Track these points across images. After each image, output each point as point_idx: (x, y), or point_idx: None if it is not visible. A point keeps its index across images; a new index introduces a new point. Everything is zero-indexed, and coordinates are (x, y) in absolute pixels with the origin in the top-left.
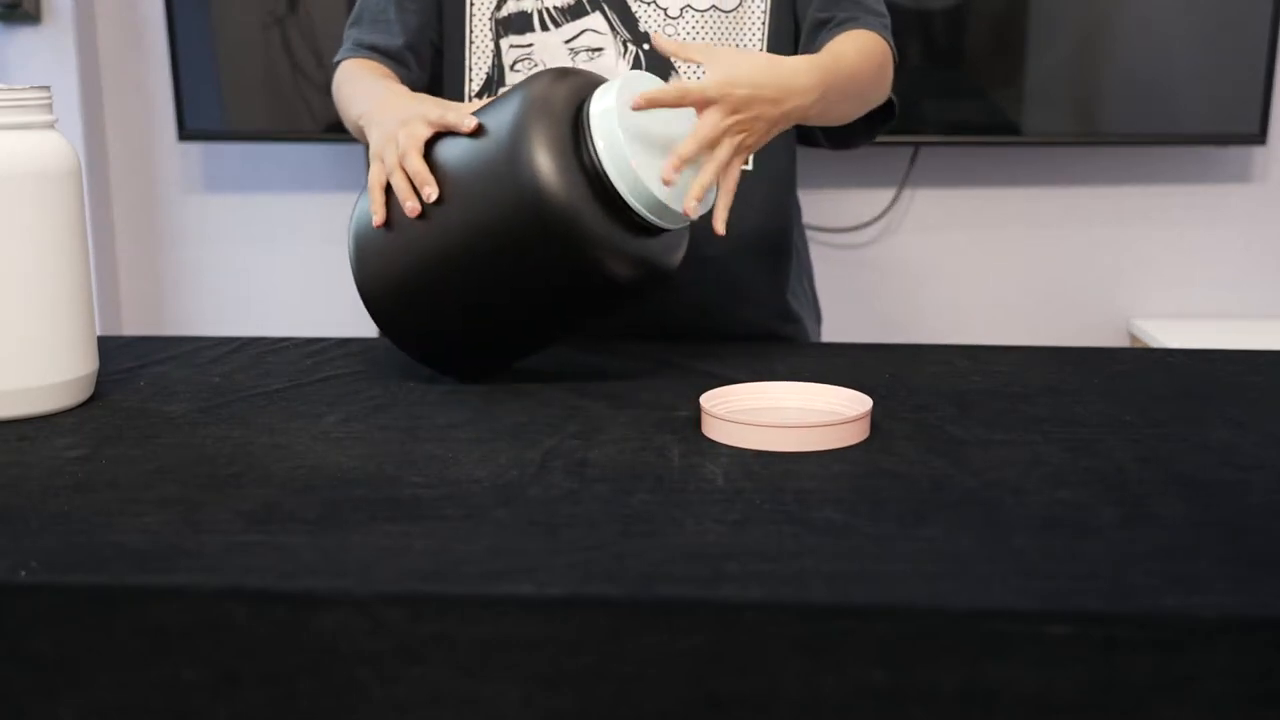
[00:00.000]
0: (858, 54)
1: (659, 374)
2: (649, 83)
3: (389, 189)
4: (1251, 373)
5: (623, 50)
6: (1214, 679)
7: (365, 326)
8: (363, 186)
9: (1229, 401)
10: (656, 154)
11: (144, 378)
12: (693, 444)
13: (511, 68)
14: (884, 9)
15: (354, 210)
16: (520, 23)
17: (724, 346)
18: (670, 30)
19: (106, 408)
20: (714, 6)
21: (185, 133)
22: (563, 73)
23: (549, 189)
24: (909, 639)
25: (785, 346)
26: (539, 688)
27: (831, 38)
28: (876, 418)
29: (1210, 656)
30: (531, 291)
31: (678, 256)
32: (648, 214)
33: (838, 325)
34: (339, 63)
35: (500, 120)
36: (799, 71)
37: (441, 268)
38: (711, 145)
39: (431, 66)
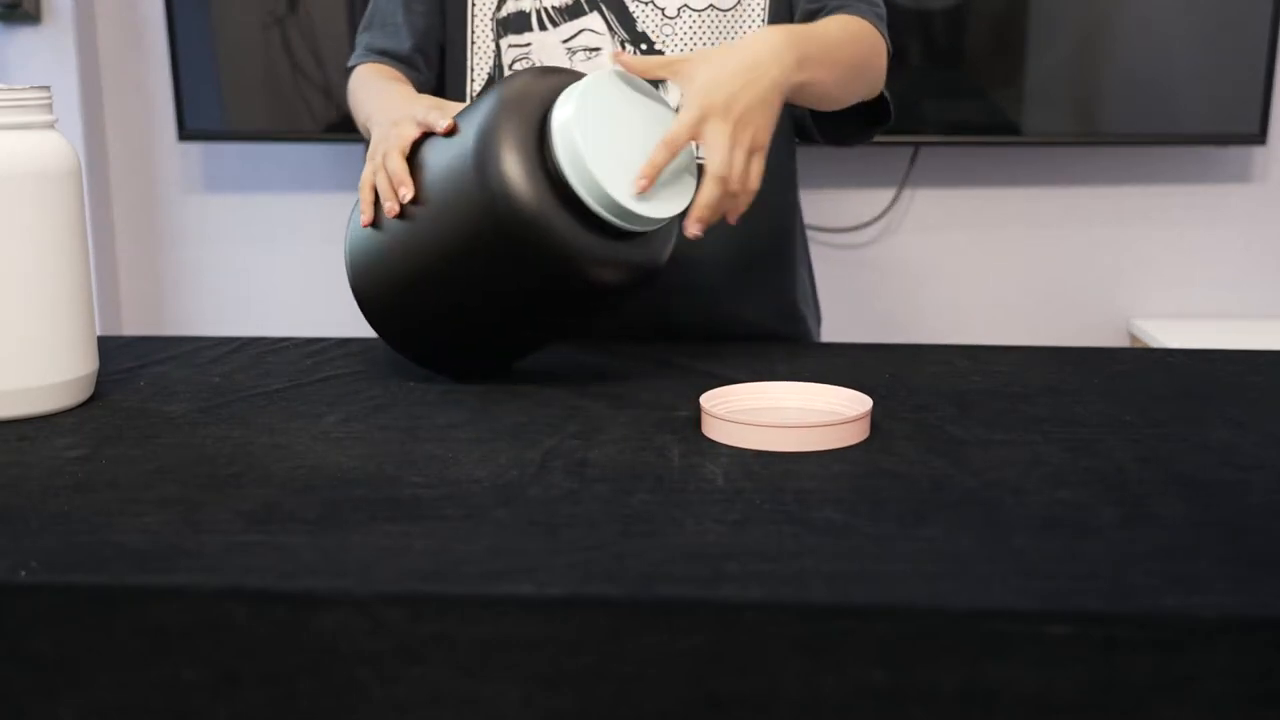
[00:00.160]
0: (841, 30)
1: (659, 374)
2: (614, 84)
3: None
4: (1251, 373)
5: (620, 50)
6: (1214, 679)
7: (365, 326)
8: None
9: (1229, 401)
10: (623, 160)
11: (144, 378)
12: (693, 444)
13: (510, 68)
14: (879, 1)
15: (352, 210)
16: (519, 23)
17: (724, 346)
18: (668, 30)
19: (106, 408)
20: (711, 5)
21: (185, 133)
22: (543, 72)
23: (514, 194)
24: (909, 639)
25: (785, 346)
26: (539, 688)
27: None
28: (876, 418)
29: (1210, 656)
30: (506, 295)
31: (664, 254)
32: (615, 220)
33: (838, 325)
34: (352, 69)
35: (473, 121)
36: (760, 37)
37: (421, 269)
38: (725, 157)
39: (439, 67)
